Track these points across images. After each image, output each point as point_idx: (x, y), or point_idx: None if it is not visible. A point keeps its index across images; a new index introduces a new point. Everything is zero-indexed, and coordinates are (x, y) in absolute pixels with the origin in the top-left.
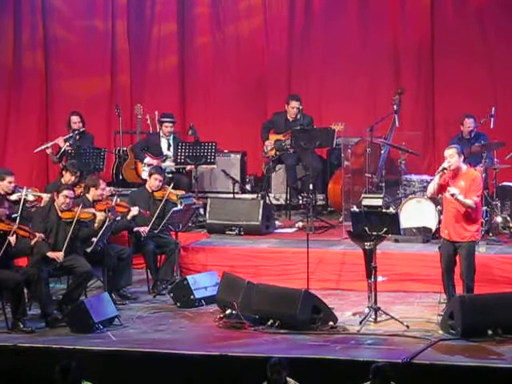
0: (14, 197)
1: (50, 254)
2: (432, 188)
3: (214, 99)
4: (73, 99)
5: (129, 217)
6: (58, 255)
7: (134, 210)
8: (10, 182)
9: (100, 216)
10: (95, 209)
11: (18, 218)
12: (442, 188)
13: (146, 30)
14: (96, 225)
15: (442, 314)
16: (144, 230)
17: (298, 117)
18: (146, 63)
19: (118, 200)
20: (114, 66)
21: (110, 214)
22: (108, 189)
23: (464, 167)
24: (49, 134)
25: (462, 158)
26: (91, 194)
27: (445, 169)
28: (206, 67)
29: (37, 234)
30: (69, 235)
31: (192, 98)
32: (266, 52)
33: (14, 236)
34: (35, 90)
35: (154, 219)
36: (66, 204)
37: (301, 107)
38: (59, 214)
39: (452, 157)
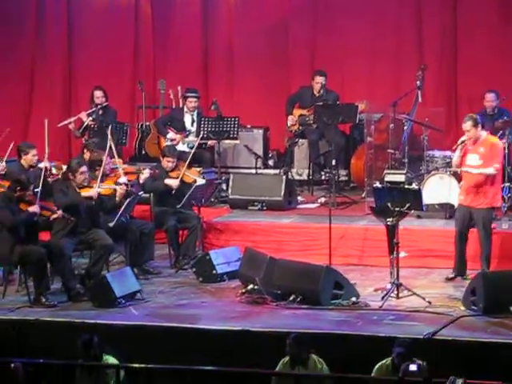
0: (41, 164)
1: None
2: (456, 161)
3: (237, 74)
4: (96, 74)
5: (141, 180)
6: (92, 194)
7: (146, 173)
8: (34, 155)
9: (120, 190)
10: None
11: (39, 193)
12: (463, 157)
13: (170, 4)
14: (117, 199)
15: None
16: (175, 183)
17: (321, 92)
18: (169, 38)
19: (125, 166)
20: (137, 41)
21: (132, 188)
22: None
23: (483, 134)
24: (72, 108)
25: (480, 126)
26: (98, 172)
27: (463, 142)
28: (229, 43)
29: (58, 211)
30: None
31: (215, 73)
32: (289, 28)
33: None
34: (58, 64)
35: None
36: (85, 180)
37: (324, 83)
38: (77, 190)
39: (469, 131)
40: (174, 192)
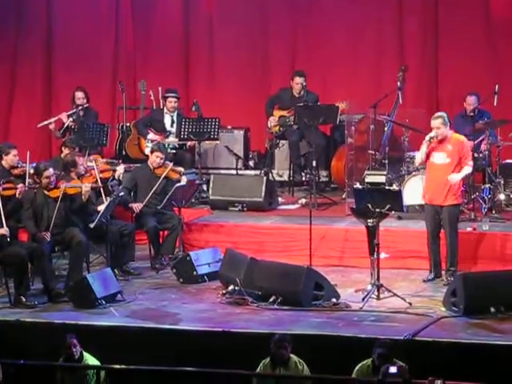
0: (18, 170)
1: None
2: (420, 158)
3: (218, 75)
4: (76, 74)
5: (116, 176)
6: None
7: (120, 169)
8: (15, 156)
9: (85, 187)
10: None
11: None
12: (427, 156)
13: (150, 4)
14: (83, 197)
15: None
16: (138, 205)
17: (302, 93)
18: (149, 39)
19: (99, 164)
20: (117, 41)
21: (112, 189)
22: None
23: (449, 132)
24: (52, 108)
25: (448, 125)
26: (73, 174)
27: (432, 138)
28: (210, 44)
29: (18, 186)
30: (55, 210)
31: (196, 74)
32: (269, 29)
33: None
34: (39, 64)
35: (149, 196)
36: (50, 183)
37: (305, 83)
38: (46, 193)
39: (439, 128)
40: (156, 192)
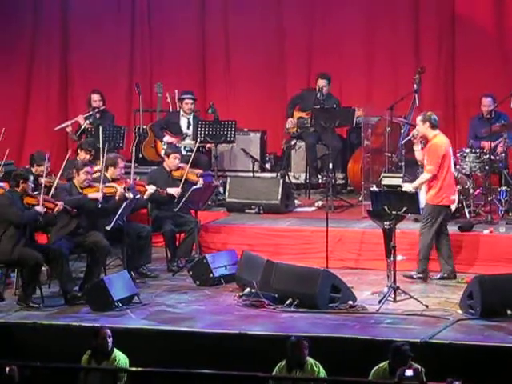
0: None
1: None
2: (419, 155)
3: (235, 78)
4: (93, 77)
5: (145, 196)
6: (98, 196)
7: (150, 189)
8: (46, 168)
9: (120, 189)
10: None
11: (42, 192)
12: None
13: (167, 6)
14: (117, 198)
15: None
16: (176, 190)
17: (318, 95)
18: (166, 42)
19: (138, 178)
20: (134, 44)
21: (129, 192)
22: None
23: (430, 134)
24: (69, 111)
25: (428, 124)
26: (110, 173)
27: (413, 136)
28: (226, 46)
29: (59, 203)
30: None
31: (212, 77)
32: (286, 31)
33: (42, 206)
34: (55, 66)
35: (183, 201)
36: (87, 180)
37: (328, 86)
38: (80, 191)
39: (417, 125)
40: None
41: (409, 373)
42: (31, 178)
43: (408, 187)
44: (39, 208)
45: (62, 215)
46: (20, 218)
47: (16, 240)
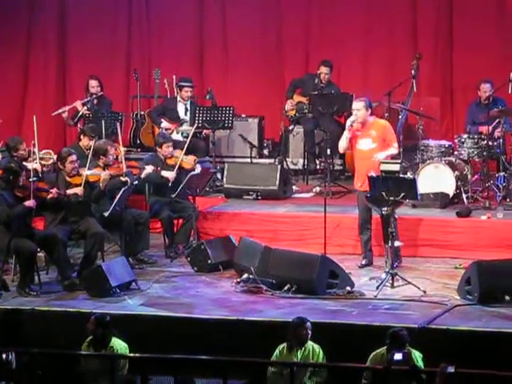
0: (30, 166)
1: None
2: (345, 143)
3: (232, 63)
4: (90, 63)
5: (143, 175)
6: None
7: (148, 168)
8: (24, 150)
9: (104, 175)
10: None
11: (32, 180)
12: (351, 141)
13: None
14: (101, 184)
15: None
16: (171, 174)
17: (316, 81)
18: (163, 27)
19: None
20: (131, 30)
21: (126, 177)
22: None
23: (371, 118)
24: (66, 97)
25: (370, 111)
26: (101, 162)
27: (353, 122)
28: (223, 32)
29: (52, 190)
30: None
31: (210, 62)
32: (283, 17)
33: (32, 201)
34: (52, 53)
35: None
36: (74, 169)
37: (329, 74)
38: (68, 179)
39: (360, 110)
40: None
41: (398, 356)
42: (23, 173)
43: (379, 156)
44: (29, 203)
45: (50, 210)
46: (6, 215)
47: (12, 233)
